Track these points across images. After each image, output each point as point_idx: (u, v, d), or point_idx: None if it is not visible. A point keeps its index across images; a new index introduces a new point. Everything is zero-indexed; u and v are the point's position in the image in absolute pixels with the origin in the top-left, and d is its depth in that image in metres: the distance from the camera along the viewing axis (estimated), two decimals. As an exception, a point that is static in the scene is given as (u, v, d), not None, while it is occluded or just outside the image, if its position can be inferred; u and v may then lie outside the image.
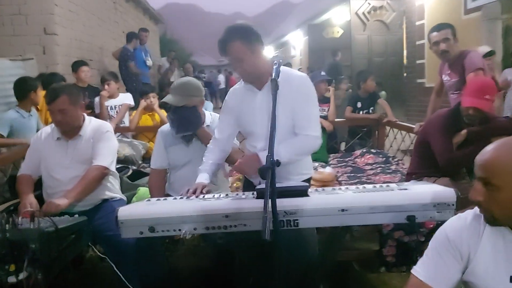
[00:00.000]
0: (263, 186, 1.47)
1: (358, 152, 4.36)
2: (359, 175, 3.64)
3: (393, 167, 3.82)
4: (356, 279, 2.68)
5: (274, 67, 1.75)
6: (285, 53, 18.69)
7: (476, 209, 1.23)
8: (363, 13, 9.28)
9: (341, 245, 1.81)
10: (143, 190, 2.69)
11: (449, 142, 2.52)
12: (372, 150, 4.30)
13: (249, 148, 2.12)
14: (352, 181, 3.40)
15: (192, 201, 1.82)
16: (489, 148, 1.12)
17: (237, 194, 1.94)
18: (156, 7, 13.45)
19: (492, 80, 2.77)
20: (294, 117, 1.96)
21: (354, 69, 8.64)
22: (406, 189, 1.72)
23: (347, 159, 4.25)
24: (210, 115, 2.54)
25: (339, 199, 1.63)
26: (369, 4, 9.26)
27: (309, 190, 1.75)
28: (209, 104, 5.11)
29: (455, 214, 1.55)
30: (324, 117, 4.38)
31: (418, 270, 1.27)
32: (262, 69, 1.96)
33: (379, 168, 3.83)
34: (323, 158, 4.04)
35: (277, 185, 1.48)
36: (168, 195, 2.33)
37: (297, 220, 1.60)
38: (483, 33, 5.79)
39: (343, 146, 5.05)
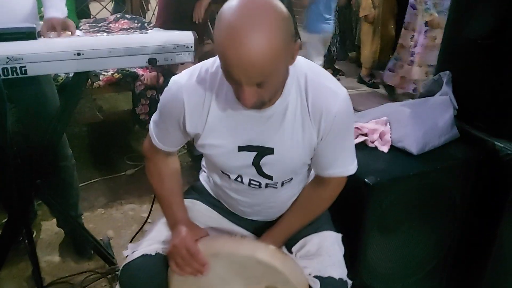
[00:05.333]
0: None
1: (112, 17, 4.09)
2: (112, 39, 3.46)
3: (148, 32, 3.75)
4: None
5: None
6: None
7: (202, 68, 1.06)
8: None
9: (78, 99, 1.69)
10: None
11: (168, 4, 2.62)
12: (127, 16, 4.11)
13: None
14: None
15: None
16: (248, 48, 0.81)
17: None
18: None
19: None
20: None
21: None
22: (147, 33, 1.68)
23: (100, 25, 3.95)
24: None
25: (74, 42, 1.48)
26: None
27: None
28: None
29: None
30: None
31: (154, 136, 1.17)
32: None
33: (135, 34, 3.71)
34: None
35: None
36: None
37: (24, 66, 1.39)
38: None
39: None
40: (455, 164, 1.58)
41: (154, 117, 1.17)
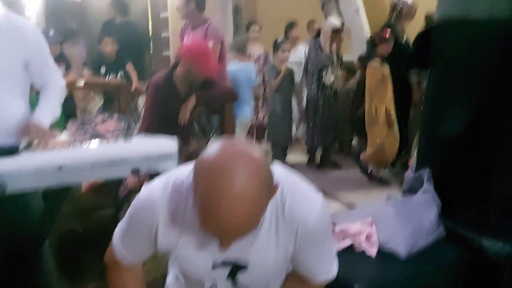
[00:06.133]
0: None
1: (99, 118, 4.19)
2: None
3: (135, 133, 3.83)
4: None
5: None
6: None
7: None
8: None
9: (60, 208, 1.66)
10: None
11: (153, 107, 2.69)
12: (115, 116, 4.22)
13: None
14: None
15: None
16: (228, 217, 0.79)
17: None
18: None
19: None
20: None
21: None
22: (130, 141, 1.71)
23: (86, 127, 4.03)
24: None
25: (55, 156, 1.49)
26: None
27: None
28: None
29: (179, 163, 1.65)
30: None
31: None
32: None
33: (118, 141, 3.79)
34: (60, 125, 3.73)
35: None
36: None
37: (4, 182, 1.39)
38: (216, 10, 6.36)
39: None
40: (444, 265, 1.55)
41: (120, 225, 1.08)
